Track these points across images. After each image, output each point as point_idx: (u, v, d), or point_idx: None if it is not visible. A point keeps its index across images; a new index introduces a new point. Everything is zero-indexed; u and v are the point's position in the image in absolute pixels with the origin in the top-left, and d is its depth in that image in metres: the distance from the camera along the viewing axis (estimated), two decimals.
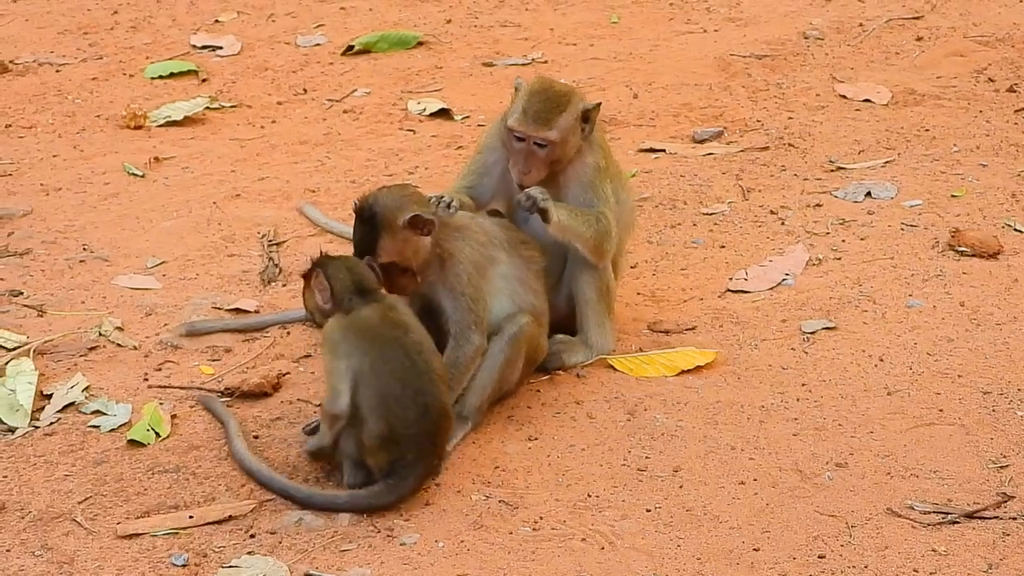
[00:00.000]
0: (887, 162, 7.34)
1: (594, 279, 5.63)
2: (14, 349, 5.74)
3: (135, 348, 5.80)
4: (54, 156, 7.69)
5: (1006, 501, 4.85)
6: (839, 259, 6.43)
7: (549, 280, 5.56)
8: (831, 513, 4.82)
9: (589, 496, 4.93)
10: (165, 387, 5.54)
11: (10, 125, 8.08)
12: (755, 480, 4.99)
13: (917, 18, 9.18)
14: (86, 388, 5.48)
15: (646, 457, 5.12)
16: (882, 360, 5.66)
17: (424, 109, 8.16)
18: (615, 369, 5.64)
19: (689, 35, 9.16)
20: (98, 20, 9.66)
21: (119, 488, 4.96)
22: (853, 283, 6.21)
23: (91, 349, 5.79)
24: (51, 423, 5.31)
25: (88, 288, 6.28)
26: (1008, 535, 4.70)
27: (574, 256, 5.63)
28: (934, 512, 4.81)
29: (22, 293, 6.23)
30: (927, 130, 7.68)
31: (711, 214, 6.87)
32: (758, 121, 7.85)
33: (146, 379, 5.60)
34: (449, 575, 4.56)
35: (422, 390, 4.86)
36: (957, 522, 4.76)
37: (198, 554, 4.65)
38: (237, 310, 6.08)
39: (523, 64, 8.74)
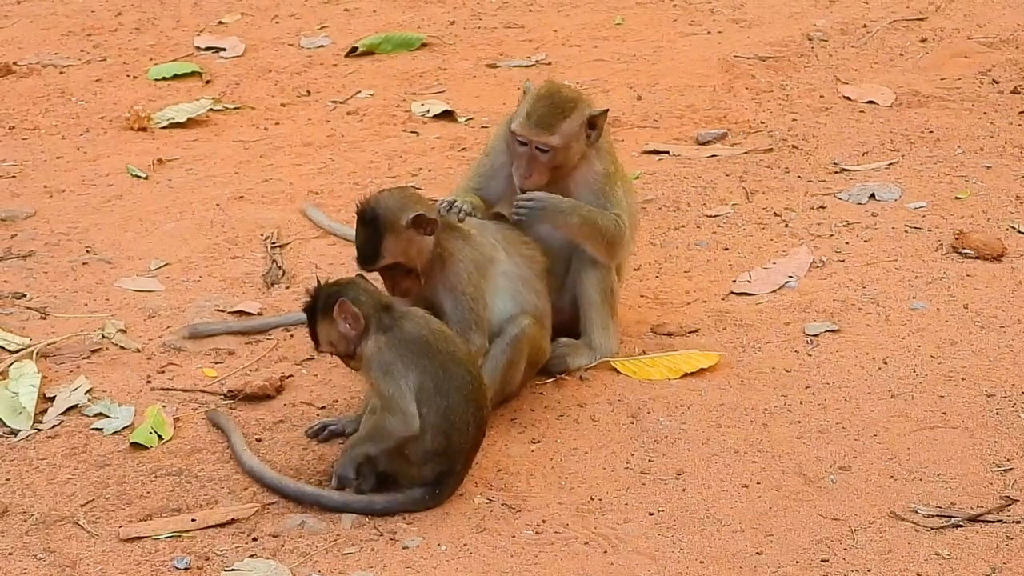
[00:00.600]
0: (891, 164, 7.33)
1: (598, 281, 5.62)
2: (17, 351, 5.74)
3: (138, 350, 5.80)
4: (57, 158, 7.69)
5: (1010, 504, 4.84)
6: (843, 261, 6.42)
7: (553, 283, 5.55)
8: (834, 516, 4.82)
9: (592, 499, 4.92)
10: (168, 390, 5.54)
11: (14, 127, 8.08)
12: (758, 483, 4.99)
13: (921, 19, 9.16)
14: (89, 391, 5.48)
15: (649, 460, 5.12)
16: (886, 363, 5.66)
17: (428, 111, 8.16)
18: (618, 372, 5.63)
19: (693, 37, 9.15)
20: (102, 22, 9.66)
21: (122, 491, 4.96)
22: (857, 285, 6.21)
23: (94, 351, 5.78)
24: (54, 426, 5.31)
25: (91, 290, 6.28)
26: (1012, 539, 4.69)
27: (579, 258, 5.62)
28: (938, 515, 4.80)
29: (25, 295, 6.23)
30: (931, 132, 7.67)
31: (715, 216, 6.86)
32: (762, 123, 7.85)
33: (149, 382, 5.60)
34: None
35: (479, 404, 4.85)
36: (961, 526, 4.75)
37: (200, 557, 4.65)
38: (240, 312, 6.08)
39: (527, 66, 8.74)
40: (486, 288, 5.28)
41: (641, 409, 5.39)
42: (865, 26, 9.10)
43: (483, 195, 5.59)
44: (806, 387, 5.52)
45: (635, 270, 6.32)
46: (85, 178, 7.42)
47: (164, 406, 5.39)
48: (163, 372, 5.67)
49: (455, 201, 5.34)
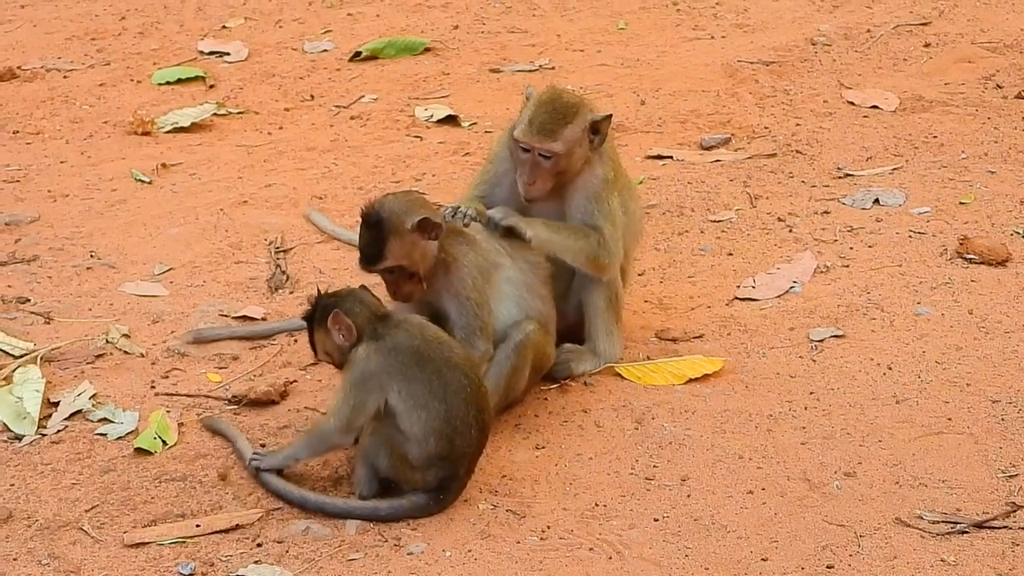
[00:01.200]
0: (895, 169, 7.33)
1: (603, 288, 5.62)
2: (21, 356, 5.73)
3: (142, 355, 5.80)
4: (61, 162, 7.69)
5: (1015, 511, 4.84)
6: (847, 266, 6.41)
7: (558, 289, 5.55)
8: (839, 523, 4.81)
9: (597, 505, 4.92)
10: (172, 395, 5.53)
11: (17, 131, 8.08)
12: (763, 489, 4.98)
13: (925, 24, 9.15)
14: (93, 396, 5.48)
15: (654, 466, 5.11)
16: (890, 368, 5.65)
17: (431, 115, 8.16)
18: (623, 377, 5.63)
19: (696, 41, 9.15)
20: (106, 26, 9.66)
21: (126, 496, 4.96)
22: (861, 291, 6.20)
23: (98, 356, 5.78)
24: (58, 431, 5.30)
25: (95, 295, 6.28)
26: (1017, 545, 4.68)
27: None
28: (943, 522, 4.79)
29: (29, 300, 6.22)
30: (935, 137, 7.67)
31: (718, 221, 6.86)
32: (766, 128, 7.84)
33: (153, 387, 5.60)
34: None
35: (480, 407, 4.85)
36: (966, 532, 4.75)
37: (205, 563, 4.65)
38: (244, 317, 6.08)
39: (530, 70, 8.73)
40: (491, 294, 5.28)
41: (645, 415, 5.38)
42: (869, 31, 9.09)
43: (488, 202, 5.58)
44: (811, 393, 5.51)
45: (639, 275, 6.32)
46: (89, 182, 7.42)
47: (168, 411, 5.39)
48: (167, 377, 5.67)
49: (460, 207, 5.34)
